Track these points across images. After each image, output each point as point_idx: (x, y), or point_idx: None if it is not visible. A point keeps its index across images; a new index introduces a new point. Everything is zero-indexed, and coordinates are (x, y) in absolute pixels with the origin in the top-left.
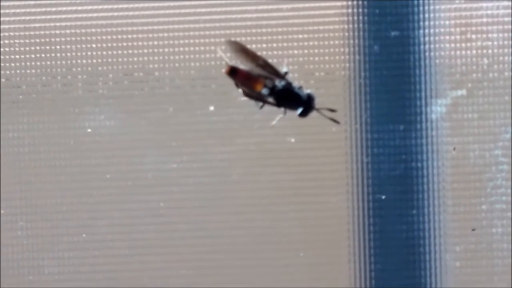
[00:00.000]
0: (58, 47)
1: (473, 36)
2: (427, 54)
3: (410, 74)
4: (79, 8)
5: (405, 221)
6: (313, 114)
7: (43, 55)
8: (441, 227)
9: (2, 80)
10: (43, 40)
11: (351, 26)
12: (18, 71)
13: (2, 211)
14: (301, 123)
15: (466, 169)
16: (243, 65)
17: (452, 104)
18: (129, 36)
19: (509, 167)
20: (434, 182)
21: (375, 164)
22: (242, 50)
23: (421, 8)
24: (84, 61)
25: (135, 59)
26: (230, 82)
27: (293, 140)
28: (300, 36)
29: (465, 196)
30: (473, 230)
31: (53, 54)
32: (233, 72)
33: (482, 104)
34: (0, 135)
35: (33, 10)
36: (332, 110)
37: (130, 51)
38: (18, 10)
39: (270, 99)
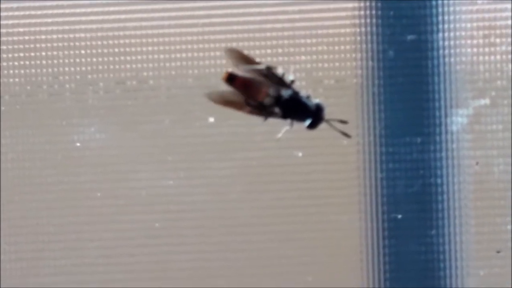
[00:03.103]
0: (43, 53)
1: (497, 40)
2: (446, 59)
3: (428, 81)
4: (67, 11)
5: (423, 243)
6: (322, 126)
7: (27, 63)
8: (462, 249)
9: None
10: (27, 46)
11: (363, 29)
12: None
13: None
14: (309, 135)
15: (490, 185)
16: (244, 74)
17: (474, 115)
18: (121, 42)
19: None
20: (455, 199)
21: (390, 180)
22: (243, 59)
23: (440, 9)
24: (72, 68)
25: (128, 66)
26: (231, 90)
27: (300, 154)
28: (308, 40)
29: (489, 215)
30: (498, 252)
31: (38, 61)
32: (231, 78)
33: (507, 115)
34: None
35: (16, 13)
36: (343, 122)
37: (122, 58)
38: None
39: (276, 110)
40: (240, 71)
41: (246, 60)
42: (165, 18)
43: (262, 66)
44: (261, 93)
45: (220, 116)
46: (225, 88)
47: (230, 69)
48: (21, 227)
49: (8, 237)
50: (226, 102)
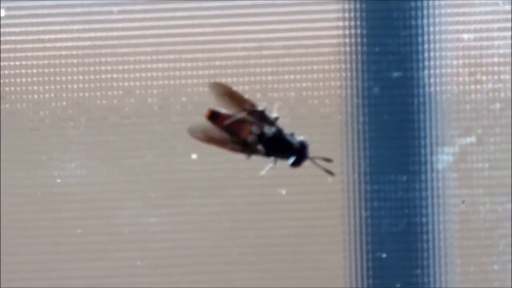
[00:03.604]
0: (23, 88)
1: (484, 78)
2: (432, 97)
3: (414, 119)
4: (47, 45)
5: (408, 282)
6: (306, 164)
7: (6, 97)
8: None
9: None
10: (6, 80)
11: (348, 65)
12: None
13: None
14: (293, 173)
15: (475, 224)
16: (227, 109)
17: (460, 153)
18: (103, 76)
19: None
20: (440, 239)
21: (375, 219)
22: (227, 94)
23: (425, 46)
24: (53, 103)
25: (110, 101)
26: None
27: (284, 192)
28: (292, 76)
29: (475, 254)
30: None
31: (18, 96)
32: (213, 116)
33: (494, 153)
34: None
35: None
36: (328, 160)
37: (103, 92)
38: None
39: (259, 147)
40: (223, 107)
41: (230, 94)
42: (148, 53)
43: (245, 106)
44: (244, 131)
45: (203, 153)
46: (208, 124)
47: (212, 107)
48: None
49: None
50: (209, 138)
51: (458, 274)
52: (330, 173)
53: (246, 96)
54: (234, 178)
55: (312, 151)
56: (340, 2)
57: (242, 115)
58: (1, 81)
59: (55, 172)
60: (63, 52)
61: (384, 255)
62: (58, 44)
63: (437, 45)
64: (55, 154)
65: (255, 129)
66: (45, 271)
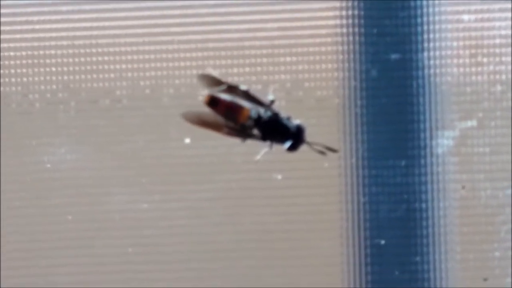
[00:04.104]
0: (12, 70)
1: (485, 60)
2: (432, 79)
3: (413, 102)
4: (36, 26)
5: (407, 270)
6: (303, 148)
7: None
8: (448, 277)
9: None
10: None
11: (345, 47)
12: None
13: None
14: (289, 158)
15: (476, 210)
16: (224, 96)
17: (460, 137)
18: (94, 59)
19: None
20: (440, 225)
21: (373, 204)
22: (217, 84)
23: (425, 27)
24: (43, 86)
25: (101, 84)
26: (208, 111)
27: (280, 177)
28: (288, 59)
29: (476, 241)
30: (485, 280)
31: (7, 79)
32: (213, 102)
33: (495, 137)
34: None
35: None
36: (330, 150)
37: (94, 76)
38: None
39: (255, 132)
40: (216, 92)
41: (219, 84)
42: (140, 35)
43: (241, 87)
44: (242, 116)
45: (196, 137)
46: (201, 108)
47: (208, 92)
48: None
49: None
50: (203, 123)
51: (458, 261)
52: (331, 149)
53: (241, 79)
54: (229, 163)
55: (308, 135)
56: None
57: (241, 99)
58: None
59: (45, 157)
60: (53, 34)
61: (382, 242)
62: (48, 26)
63: (437, 26)
64: (45, 139)
65: (253, 113)
66: (35, 258)
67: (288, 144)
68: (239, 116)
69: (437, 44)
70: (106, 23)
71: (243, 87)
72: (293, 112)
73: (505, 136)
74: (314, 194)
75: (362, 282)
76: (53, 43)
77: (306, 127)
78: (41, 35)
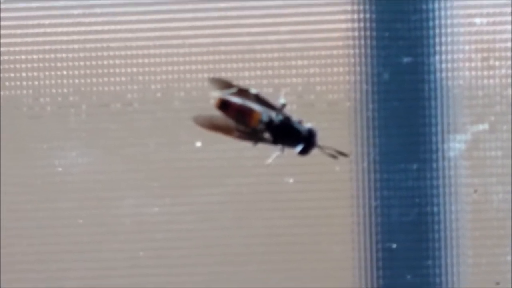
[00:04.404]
0: (23, 74)
1: (497, 63)
2: (444, 83)
3: (425, 106)
4: (48, 30)
5: (418, 274)
6: (314, 152)
7: (6, 83)
8: (460, 281)
9: None
10: (6, 66)
11: (357, 51)
12: None
13: None
14: (301, 161)
15: (488, 214)
16: (236, 99)
17: (472, 140)
18: (105, 62)
19: None
20: (452, 229)
21: (385, 208)
22: (228, 87)
23: (437, 31)
24: (54, 90)
25: (112, 88)
26: (219, 115)
27: (291, 181)
28: (300, 62)
29: (488, 245)
30: (497, 284)
31: (18, 83)
32: (224, 105)
33: (507, 140)
34: None
35: None
36: (342, 154)
37: (105, 79)
38: None
39: (266, 135)
40: (227, 95)
41: (230, 88)
42: (151, 38)
43: (252, 91)
44: (254, 119)
45: (207, 140)
46: (212, 112)
47: (218, 95)
48: None
49: None
50: (214, 126)
51: (470, 265)
52: (343, 154)
53: (252, 83)
54: (240, 167)
55: (320, 138)
56: None
57: (252, 103)
58: (1, 67)
59: (56, 161)
60: (64, 38)
61: (394, 246)
62: (59, 29)
63: (449, 30)
64: (55, 143)
65: (265, 117)
66: (45, 262)
67: (299, 147)
68: (250, 120)
69: (449, 47)
70: (118, 27)
71: (254, 90)
72: (305, 115)
73: None
74: (325, 198)
75: (374, 286)
76: (64, 46)
77: (317, 131)
78: (53, 38)
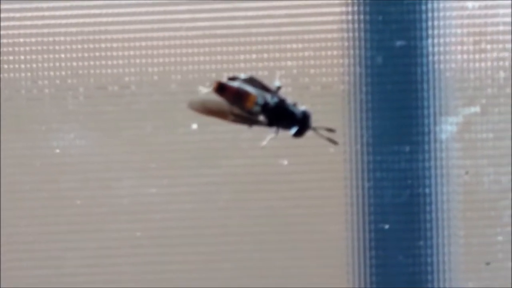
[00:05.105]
0: (22, 57)
1: (488, 46)
2: (436, 66)
3: (417, 88)
4: (46, 13)
5: (411, 254)
6: (308, 134)
7: (5, 66)
8: (451, 261)
9: None
10: (5, 49)
11: (351, 34)
12: None
13: None
14: (295, 143)
15: (479, 195)
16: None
17: (464, 123)
18: (102, 45)
19: None
20: (444, 210)
21: (378, 189)
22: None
23: (429, 14)
24: (52, 73)
25: (109, 71)
26: (213, 99)
27: (286, 162)
28: (294, 45)
29: (479, 226)
30: (488, 264)
31: (16, 65)
32: (221, 88)
33: (498, 123)
34: None
35: None
36: (330, 130)
37: (103, 62)
38: None
39: (261, 118)
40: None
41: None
42: (148, 22)
43: (242, 76)
44: (250, 102)
45: (203, 123)
46: (207, 96)
47: (206, 90)
48: None
49: None
50: (209, 111)
51: (462, 245)
52: (333, 142)
53: (247, 66)
54: (235, 149)
55: (314, 121)
56: None
57: (248, 86)
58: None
59: (54, 143)
60: (62, 21)
61: (386, 227)
62: (57, 13)
63: (441, 14)
64: (54, 125)
65: (260, 99)
66: (44, 242)
67: (294, 130)
68: (246, 102)
69: (441, 31)
70: (115, 10)
71: (243, 76)
72: (299, 98)
73: (508, 122)
74: (319, 179)
75: (366, 265)
76: (62, 29)
77: (311, 113)
78: (51, 21)
